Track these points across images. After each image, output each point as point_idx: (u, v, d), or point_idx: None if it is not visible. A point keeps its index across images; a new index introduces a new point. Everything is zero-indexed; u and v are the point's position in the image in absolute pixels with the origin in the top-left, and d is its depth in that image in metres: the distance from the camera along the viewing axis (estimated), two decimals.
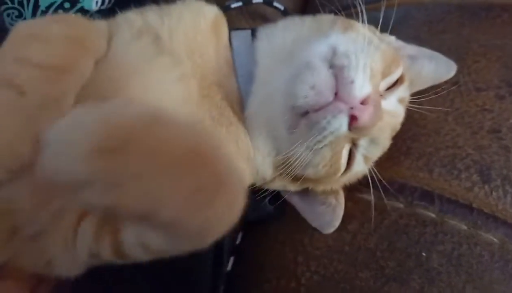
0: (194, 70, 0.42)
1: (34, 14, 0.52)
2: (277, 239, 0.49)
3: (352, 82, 0.38)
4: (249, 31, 0.47)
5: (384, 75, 0.42)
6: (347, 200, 0.46)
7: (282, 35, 0.46)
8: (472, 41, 0.53)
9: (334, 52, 0.40)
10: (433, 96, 0.47)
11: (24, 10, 0.52)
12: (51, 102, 0.34)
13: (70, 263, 0.36)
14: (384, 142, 0.45)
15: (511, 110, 0.46)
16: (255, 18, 0.70)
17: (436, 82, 0.49)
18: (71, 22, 0.38)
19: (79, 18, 0.40)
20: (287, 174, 0.43)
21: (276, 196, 0.48)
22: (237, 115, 0.43)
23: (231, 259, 0.51)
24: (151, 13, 0.44)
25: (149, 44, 0.42)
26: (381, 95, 0.42)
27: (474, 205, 0.42)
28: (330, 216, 0.46)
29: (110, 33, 0.42)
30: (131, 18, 0.44)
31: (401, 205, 0.45)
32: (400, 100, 0.45)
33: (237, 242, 0.52)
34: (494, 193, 0.42)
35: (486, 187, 0.43)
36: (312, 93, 0.38)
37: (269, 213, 0.48)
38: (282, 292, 0.45)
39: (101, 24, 0.42)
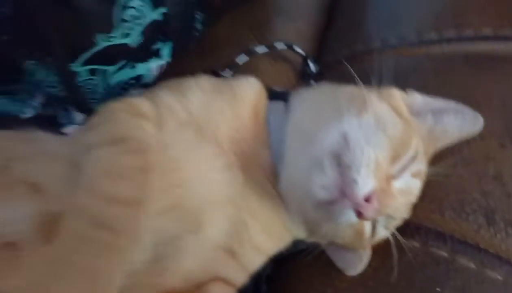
0: (236, 158, 0.48)
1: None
2: (307, 271, 0.55)
3: (355, 182, 0.42)
4: (282, 105, 0.52)
5: (394, 158, 0.46)
6: None
7: (305, 113, 0.51)
8: (476, 91, 0.59)
9: (345, 140, 0.44)
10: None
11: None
12: (136, 235, 0.37)
13: None
14: (402, 215, 0.49)
15: None
16: (277, 59, 0.76)
17: (463, 137, 0.53)
18: (140, 150, 0.42)
19: (140, 129, 0.44)
20: (318, 239, 0.50)
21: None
22: (276, 190, 0.49)
23: (264, 288, 0.58)
24: (194, 103, 0.49)
25: (193, 134, 0.47)
26: (392, 176, 0.46)
27: (481, 245, 0.49)
28: (356, 262, 0.51)
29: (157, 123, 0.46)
30: (174, 106, 0.48)
31: (417, 244, 0.51)
32: (415, 175, 0.48)
33: (269, 271, 0.59)
34: (498, 235, 0.49)
35: (491, 229, 0.49)
36: (323, 192, 0.44)
37: (303, 249, 0.53)
38: None
39: (150, 111, 0.47)
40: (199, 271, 0.46)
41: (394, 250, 0.49)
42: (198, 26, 0.65)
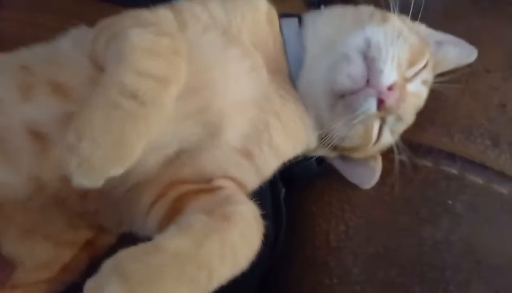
0: (261, 59, 0.50)
1: None
2: (324, 191, 0.57)
3: (381, 72, 0.46)
4: (296, 19, 0.54)
5: (411, 64, 0.50)
6: (383, 160, 0.56)
7: (326, 25, 0.54)
8: (481, 30, 0.63)
9: (368, 44, 0.48)
10: (452, 76, 0.57)
11: None
12: (163, 110, 0.38)
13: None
14: (408, 119, 0.53)
15: None
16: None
17: (459, 65, 0.58)
18: (170, 34, 0.41)
19: (172, 28, 0.45)
20: (328, 144, 0.51)
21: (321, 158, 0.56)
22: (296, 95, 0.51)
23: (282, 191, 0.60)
24: (216, 8, 0.50)
25: (218, 37, 0.48)
26: (407, 79, 0.50)
27: (487, 164, 0.53)
28: (369, 174, 0.55)
29: (180, 26, 0.47)
30: (196, 12, 0.49)
31: (430, 164, 0.55)
32: (424, 82, 0.53)
33: (282, 196, 0.60)
34: (502, 155, 0.53)
35: (496, 150, 0.54)
36: (348, 81, 0.47)
37: (314, 170, 0.56)
38: (332, 233, 0.54)
39: (171, 19, 0.47)
40: (212, 169, 0.47)
41: (395, 165, 0.52)
42: None
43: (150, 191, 0.45)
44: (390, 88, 0.46)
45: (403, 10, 0.57)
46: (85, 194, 0.43)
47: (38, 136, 0.41)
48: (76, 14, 0.70)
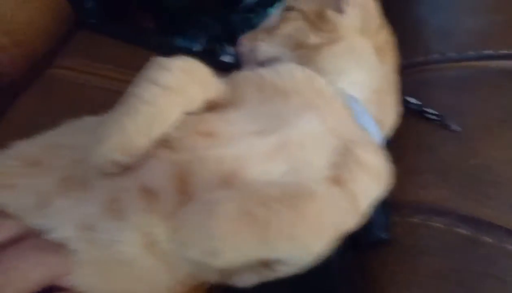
0: None
1: None
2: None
3: None
4: None
5: None
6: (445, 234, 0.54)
7: None
8: None
9: None
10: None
11: None
12: (163, 115, 0.43)
13: None
14: None
15: None
16: None
17: None
18: (191, 62, 0.47)
19: (199, 63, 0.49)
20: None
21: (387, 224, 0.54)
22: None
23: None
24: (264, 72, 0.52)
25: (272, 93, 0.50)
26: None
27: None
28: None
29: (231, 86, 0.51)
30: (248, 76, 0.53)
31: (490, 240, 0.53)
32: None
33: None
34: None
35: None
36: None
37: (382, 238, 0.54)
38: None
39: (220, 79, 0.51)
40: None
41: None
42: None
43: None
44: None
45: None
46: None
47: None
48: (135, 67, 0.75)
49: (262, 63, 0.58)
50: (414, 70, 0.69)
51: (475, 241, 0.52)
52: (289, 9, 0.59)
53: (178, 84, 0.44)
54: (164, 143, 0.44)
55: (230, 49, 0.77)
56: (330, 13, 0.56)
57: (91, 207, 0.41)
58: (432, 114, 0.62)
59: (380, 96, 0.56)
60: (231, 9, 0.72)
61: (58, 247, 0.39)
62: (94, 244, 0.40)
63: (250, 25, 0.73)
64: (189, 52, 0.72)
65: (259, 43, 0.59)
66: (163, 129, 0.43)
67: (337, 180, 0.44)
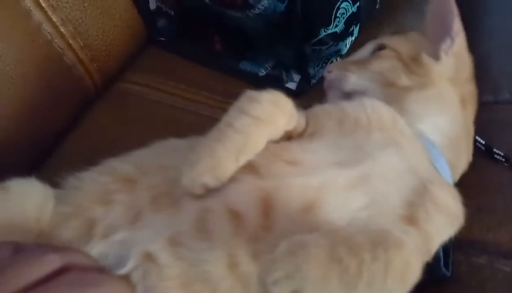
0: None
1: None
2: None
3: None
4: None
5: None
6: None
7: None
8: None
9: None
10: None
11: None
12: (251, 143, 0.46)
13: None
14: None
15: None
16: None
17: None
18: (279, 95, 0.50)
19: (285, 96, 0.51)
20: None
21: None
22: None
23: None
24: (346, 106, 0.54)
25: (353, 126, 0.51)
26: None
27: None
28: None
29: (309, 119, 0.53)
30: (329, 109, 0.54)
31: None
32: None
33: None
34: None
35: None
36: None
37: (444, 275, 0.53)
38: None
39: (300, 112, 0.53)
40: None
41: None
42: (377, 6, 0.85)
43: None
44: None
45: None
46: None
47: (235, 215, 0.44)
48: (207, 88, 0.78)
49: (348, 94, 0.60)
50: (483, 109, 0.67)
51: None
52: (382, 47, 0.61)
53: (267, 116, 0.47)
54: (250, 169, 0.46)
55: (297, 76, 0.80)
56: (425, 58, 0.57)
57: (181, 224, 0.43)
58: (499, 155, 0.63)
59: (456, 142, 0.56)
60: (307, 41, 0.73)
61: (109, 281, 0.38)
62: (181, 260, 0.42)
63: (319, 57, 0.77)
64: (254, 77, 0.81)
65: (349, 74, 0.60)
66: (251, 156, 0.46)
67: (412, 219, 0.45)
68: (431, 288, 0.55)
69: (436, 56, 0.57)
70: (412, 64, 0.57)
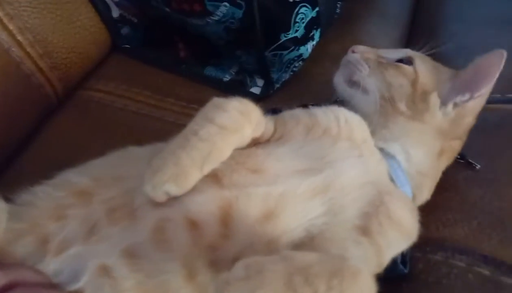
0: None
1: None
2: None
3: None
4: None
5: None
6: None
7: None
8: None
9: None
10: None
11: None
12: (217, 152, 0.46)
13: None
14: None
15: None
16: None
17: None
18: (246, 103, 0.50)
19: (252, 104, 0.51)
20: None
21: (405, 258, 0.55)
22: None
23: None
24: (319, 114, 0.55)
25: (320, 134, 0.52)
26: None
27: None
28: None
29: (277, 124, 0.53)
30: (298, 115, 0.55)
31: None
32: None
33: None
34: None
35: None
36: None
37: (402, 272, 0.54)
38: None
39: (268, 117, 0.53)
40: (330, 248, 0.46)
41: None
42: (338, 11, 0.89)
43: None
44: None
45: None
46: None
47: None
48: (172, 94, 0.78)
49: (351, 82, 0.62)
50: None
51: (496, 282, 0.53)
52: (408, 61, 0.61)
53: (233, 125, 0.47)
54: (212, 177, 0.46)
55: (260, 81, 0.81)
56: (433, 99, 0.57)
57: (138, 235, 0.43)
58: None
59: (421, 178, 0.57)
60: (267, 46, 0.75)
61: None
62: (138, 272, 0.41)
63: (281, 61, 0.78)
64: (219, 82, 0.81)
65: (365, 68, 0.61)
66: (216, 165, 0.46)
67: (366, 230, 0.46)
68: (389, 285, 0.56)
69: (444, 101, 0.57)
70: (419, 95, 0.58)
